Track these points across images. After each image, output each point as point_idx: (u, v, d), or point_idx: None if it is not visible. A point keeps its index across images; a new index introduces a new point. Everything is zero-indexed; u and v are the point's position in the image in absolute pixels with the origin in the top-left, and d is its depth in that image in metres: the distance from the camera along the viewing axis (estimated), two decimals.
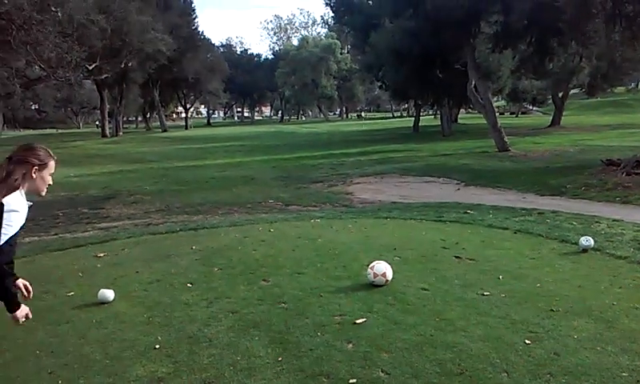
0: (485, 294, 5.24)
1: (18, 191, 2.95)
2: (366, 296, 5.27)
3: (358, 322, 4.62)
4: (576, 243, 7.02)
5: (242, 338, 4.38)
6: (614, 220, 8.95)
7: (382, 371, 3.76)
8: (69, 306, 5.29)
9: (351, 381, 3.64)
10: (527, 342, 4.16)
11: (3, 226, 2.86)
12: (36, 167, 3.02)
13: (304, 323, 4.63)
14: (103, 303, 5.28)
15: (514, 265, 6.27)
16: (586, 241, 6.81)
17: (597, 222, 8.81)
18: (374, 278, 5.53)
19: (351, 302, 5.10)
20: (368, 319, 4.67)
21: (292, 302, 5.17)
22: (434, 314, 4.77)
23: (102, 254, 7.39)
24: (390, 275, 5.54)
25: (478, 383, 3.57)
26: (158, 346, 4.29)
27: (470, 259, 6.54)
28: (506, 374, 3.67)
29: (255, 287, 5.65)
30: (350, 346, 4.18)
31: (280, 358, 4.01)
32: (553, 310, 4.78)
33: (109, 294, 5.34)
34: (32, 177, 3.03)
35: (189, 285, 5.82)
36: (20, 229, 2.99)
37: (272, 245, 7.55)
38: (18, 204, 2.93)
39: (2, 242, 2.87)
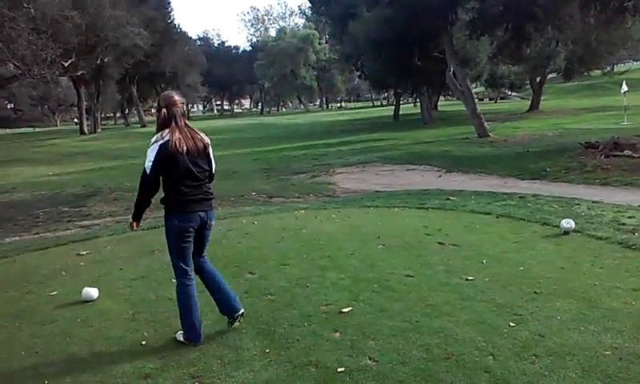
0: (469, 278, 5.29)
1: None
2: (352, 285, 5.29)
3: (344, 310, 4.64)
4: (557, 226, 7.11)
5: (229, 331, 4.38)
6: (593, 202, 9.08)
7: (370, 359, 3.78)
8: (53, 305, 5.24)
9: (339, 369, 3.66)
10: (512, 324, 4.21)
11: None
12: None
13: (291, 314, 4.64)
14: (87, 301, 5.24)
15: (496, 249, 6.34)
16: (567, 223, 6.90)
17: (577, 204, 8.93)
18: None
19: (337, 292, 5.12)
20: (354, 308, 4.69)
21: (278, 293, 5.17)
22: (420, 300, 4.80)
23: (84, 252, 7.32)
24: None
25: (464, 367, 3.61)
26: (144, 342, 4.27)
27: (454, 245, 6.60)
28: (491, 357, 3.72)
29: (241, 280, 5.64)
30: (337, 334, 4.20)
31: (267, 350, 4.01)
32: (536, 292, 4.85)
33: (93, 291, 5.30)
34: None
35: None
36: None
37: (256, 237, 7.54)
38: None
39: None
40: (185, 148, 4.02)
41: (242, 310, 4.41)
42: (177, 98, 4.17)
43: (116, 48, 39.76)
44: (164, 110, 4.11)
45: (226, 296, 4.42)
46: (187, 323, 4.21)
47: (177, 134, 4.01)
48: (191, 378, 3.68)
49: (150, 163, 3.98)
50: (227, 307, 4.40)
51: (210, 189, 4.30)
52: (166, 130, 4.03)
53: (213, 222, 4.36)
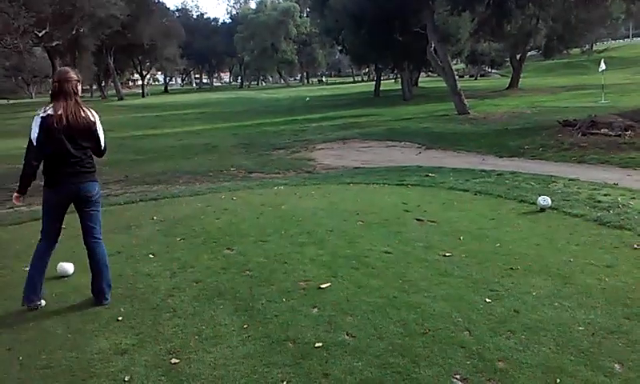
0: (446, 255, 5.34)
1: None
2: (331, 261, 5.30)
3: (322, 286, 4.65)
4: (534, 203, 7.19)
5: (207, 307, 4.36)
6: (570, 179, 9.19)
7: (347, 334, 3.80)
8: None
9: (317, 344, 3.67)
10: (488, 300, 4.26)
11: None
12: None
13: (269, 290, 4.64)
14: (63, 277, 5.17)
15: (474, 226, 6.40)
16: (544, 200, 6.98)
17: (554, 181, 9.04)
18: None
19: (316, 268, 5.13)
20: (332, 284, 4.70)
21: (257, 269, 5.16)
22: (397, 276, 4.83)
23: None
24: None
25: (440, 342, 3.65)
26: (120, 318, 4.24)
27: (432, 221, 6.64)
28: (467, 333, 3.76)
29: (219, 256, 5.62)
30: (315, 310, 4.21)
31: (245, 326, 4.01)
32: (512, 269, 4.91)
33: (68, 267, 5.23)
34: None
35: (151, 256, 5.74)
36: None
37: (235, 213, 7.50)
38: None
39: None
40: (64, 123, 4.19)
41: (107, 304, 4.49)
42: (72, 74, 4.37)
43: (92, 18, 38.87)
44: (55, 84, 4.30)
45: (99, 284, 4.54)
46: (26, 281, 4.45)
47: (60, 110, 4.19)
48: (168, 353, 3.67)
49: (35, 134, 4.21)
50: (97, 291, 4.55)
51: (87, 164, 4.45)
52: (50, 104, 4.25)
53: (94, 196, 4.57)
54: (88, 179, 4.47)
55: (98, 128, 4.43)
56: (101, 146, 4.52)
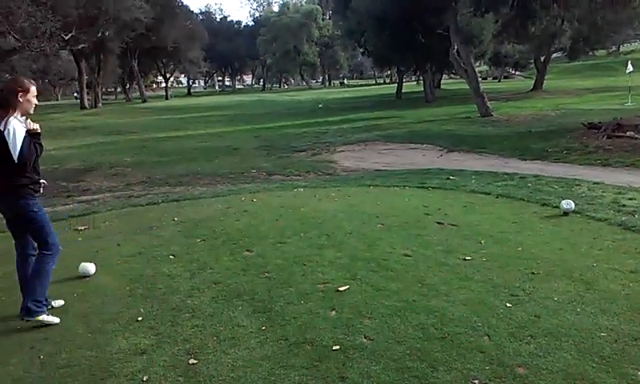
0: (467, 258, 5.28)
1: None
2: (350, 264, 5.28)
3: (341, 289, 4.63)
4: (557, 207, 7.09)
5: (226, 309, 4.38)
6: (594, 183, 9.04)
7: (365, 337, 3.78)
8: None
9: (334, 347, 3.66)
10: (508, 305, 4.21)
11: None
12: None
13: (287, 292, 4.64)
14: (84, 277, 5.24)
15: (495, 229, 6.32)
16: (567, 204, 6.87)
17: (578, 185, 8.90)
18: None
19: (334, 270, 5.11)
20: (351, 286, 4.68)
21: (275, 271, 5.17)
22: (417, 279, 4.79)
23: (82, 228, 7.31)
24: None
25: (459, 346, 3.61)
26: (140, 319, 4.27)
27: (453, 225, 6.58)
28: (487, 338, 3.72)
29: (238, 257, 5.63)
30: (334, 313, 4.20)
31: (263, 327, 4.01)
32: (534, 273, 4.84)
33: (90, 267, 5.29)
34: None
35: (171, 256, 5.78)
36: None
37: (255, 215, 7.52)
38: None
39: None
40: None
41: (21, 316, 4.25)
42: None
43: (116, 21, 39.35)
44: None
45: (24, 299, 4.29)
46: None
47: None
48: (186, 354, 3.69)
49: None
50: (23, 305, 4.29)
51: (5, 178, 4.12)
52: None
53: (28, 214, 4.28)
54: (7, 196, 4.20)
55: (7, 137, 3.98)
56: (14, 157, 4.00)
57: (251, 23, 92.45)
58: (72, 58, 48.01)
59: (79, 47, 38.38)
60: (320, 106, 40.17)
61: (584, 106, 25.99)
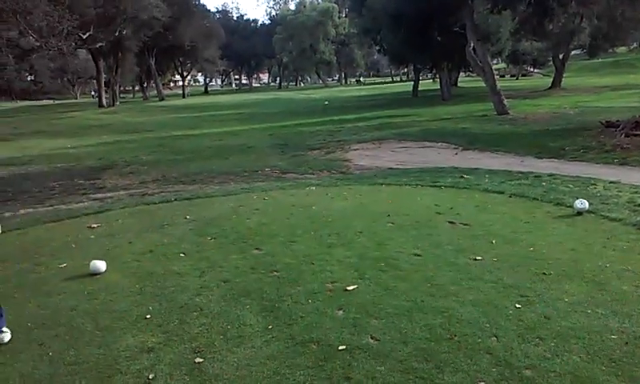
0: (477, 258, 5.23)
1: None
2: (359, 263, 5.26)
3: (349, 288, 4.62)
4: (571, 206, 6.99)
5: (233, 307, 4.39)
6: (610, 182, 8.90)
7: (372, 337, 3.77)
8: (61, 277, 5.29)
9: (340, 347, 3.65)
10: (518, 306, 4.16)
11: None
12: None
13: (295, 291, 4.64)
14: (95, 274, 5.28)
15: (507, 229, 6.25)
16: (581, 203, 6.77)
17: (593, 184, 8.76)
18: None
19: (343, 269, 5.10)
20: (359, 286, 4.67)
21: (284, 270, 5.17)
22: (426, 279, 4.76)
23: (95, 225, 7.37)
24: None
25: (466, 348, 3.57)
26: (148, 316, 4.30)
27: (464, 224, 6.52)
28: (495, 338, 3.68)
29: (248, 256, 5.65)
30: (341, 312, 4.19)
31: (270, 326, 4.01)
32: (545, 274, 4.78)
33: (100, 264, 5.34)
34: None
35: (181, 255, 5.81)
36: None
37: (266, 213, 7.53)
38: None
39: None
40: None
41: None
42: None
43: (134, 20, 39.68)
44: None
45: None
46: None
47: None
48: (193, 352, 3.70)
49: None
50: None
51: None
52: None
53: None
54: None
55: None
56: None
57: (268, 21, 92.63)
58: (90, 56, 48.49)
59: (97, 46, 38.74)
60: (326, 102, 40.30)
61: (603, 103, 25.59)
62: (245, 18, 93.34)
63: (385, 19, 31.14)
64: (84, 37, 32.88)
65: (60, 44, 27.85)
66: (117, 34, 39.09)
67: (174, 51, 59.98)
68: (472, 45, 25.32)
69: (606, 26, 33.83)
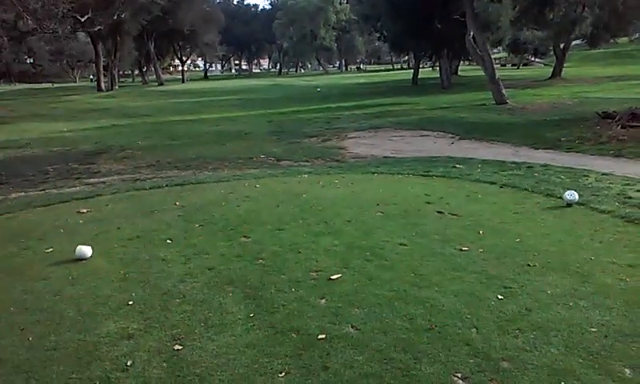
0: (463, 249, 5.23)
1: None
2: (345, 252, 5.26)
3: (333, 277, 4.62)
4: (561, 197, 6.97)
5: (216, 295, 4.39)
6: (603, 173, 8.88)
7: (352, 327, 3.77)
8: (47, 262, 5.29)
9: (320, 336, 3.65)
10: (500, 297, 4.16)
11: None
12: None
13: (280, 279, 4.63)
14: (81, 259, 5.27)
15: (496, 220, 6.25)
16: (570, 195, 6.76)
17: (586, 175, 8.75)
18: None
19: (329, 258, 5.10)
20: (343, 275, 4.67)
21: (270, 258, 5.16)
22: (410, 269, 4.76)
23: (85, 210, 7.36)
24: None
25: (445, 338, 3.58)
26: (131, 303, 4.29)
27: (453, 214, 6.51)
28: (475, 330, 3.68)
29: (235, 243, 5.64)
30: (323, 301, 4.19)
31: (252, 314, 4.02)
32: (530, 265, 4.78)
33: (86, 250, 5.33)
34: None
35: (168, 241, 5.80)
36: None
37: (256, 201, 7.51)
38: None
39: None
40: None
41: None
42: None
43: (133, 3, 39.44)
44: None
45: None
46: None
47: None
48: (172, 339, 3.70)
49: None
50: None
51: None
52: None
53: None
54: None
55: None
56: None
57: (268, 7, 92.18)
58: (89, 40, 48.23)
59: (95, 29, 38.51)
60: (318, 90, 40.28)
61: (603, 94, 25.48)
62: (245, 2, 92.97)
63: (384, 6, 30.99)
64: (82, 20, 32.65)
65: (55, 26, 27.63)
66: (115, 17, 38.83)
67: (173, 35, 59.71)
68: (471, 33, 25.17)
69: (607, 15, 33.61)
